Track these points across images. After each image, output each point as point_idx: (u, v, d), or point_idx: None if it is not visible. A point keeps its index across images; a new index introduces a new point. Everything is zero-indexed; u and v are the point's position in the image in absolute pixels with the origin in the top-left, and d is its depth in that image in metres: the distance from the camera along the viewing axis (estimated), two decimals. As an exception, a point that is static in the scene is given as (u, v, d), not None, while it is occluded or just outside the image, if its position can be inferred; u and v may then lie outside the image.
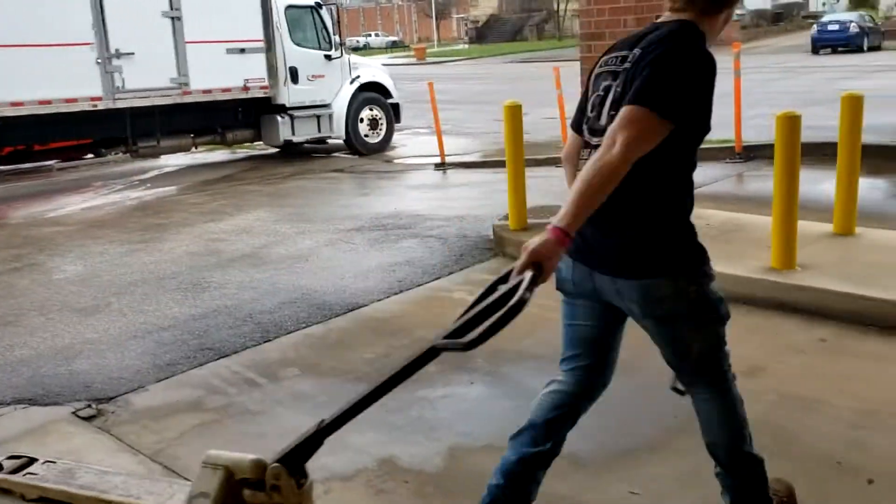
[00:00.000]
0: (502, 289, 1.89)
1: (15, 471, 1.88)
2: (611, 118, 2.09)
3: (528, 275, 1.85)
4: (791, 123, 4.42)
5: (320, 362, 4.15)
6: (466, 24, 69.98)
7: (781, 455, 2.97)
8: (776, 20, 39.30)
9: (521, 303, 1.73)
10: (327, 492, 2.96)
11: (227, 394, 3.85)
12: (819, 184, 6.45)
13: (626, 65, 2.16)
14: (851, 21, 28.64)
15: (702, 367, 2.35)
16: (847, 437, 3.06)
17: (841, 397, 3.37)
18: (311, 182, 10.14)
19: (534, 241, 1.93)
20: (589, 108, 2.27)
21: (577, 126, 2.33)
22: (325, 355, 4.24)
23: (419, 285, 5.29)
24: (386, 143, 12.88)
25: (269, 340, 4.50)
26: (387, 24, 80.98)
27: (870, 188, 6.61)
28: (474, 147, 12.23)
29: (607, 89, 2.21)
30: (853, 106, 4.92)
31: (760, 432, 3.09)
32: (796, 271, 4.44)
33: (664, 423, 3.27)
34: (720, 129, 6.81)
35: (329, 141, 12.84)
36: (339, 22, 12.82)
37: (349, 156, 12.37)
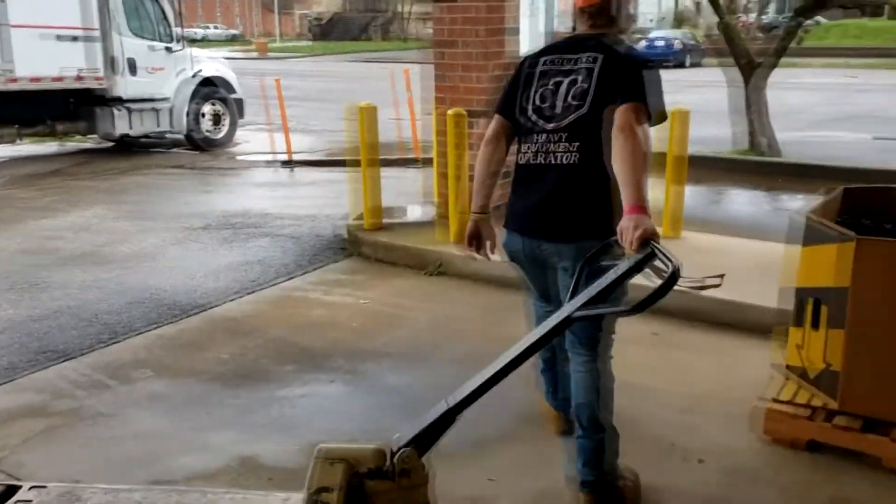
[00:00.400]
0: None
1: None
2: (572, 106, 2.66)
3: (655, 246, 2.15)
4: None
5: (174, 363, 4.07)
6: (310, 21, 69.15)
7: (622, 438, 3.23)
8: (607, 34, 41.38)
9: (678, 269, 1.96)
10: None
11: (76, 397, 3.71)
12: (653, 189, 6.94)
13: (582, 65, 2.68)
14: (676, 38, 30.71)
15: (598, 330, 2.79)
16: (679, 422, 3.37)
17: (672, 386, 3.70)
18: (150, 178, 9.77)
19: (634, 223, 2.25)
20: (536, 98, 2.74)
21: (508, 112, 2.82)
22: (179, 356, 4.16)
23: (273, 285, 5.27)
24: (229, 139, 12.59)
25: (119, 341, 4.37)
26: (226, 17, 78.48)
27: (692, 195, 7.19)
28: (320, 145, 12.19)
29: (558, 84, 2.71)
30: (681, 120, 5.36)
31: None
32: (632, 271, 4.78)
33: (513, 414, 3.46)
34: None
35: (169, 136, 12.39)
36: (180, 13, 12.40)
37: (190, 151, 11.99)
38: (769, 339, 4.15)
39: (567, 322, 1.93)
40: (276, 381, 3.86)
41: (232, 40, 61.05)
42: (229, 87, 12.80)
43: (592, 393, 2.76)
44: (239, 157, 11.62)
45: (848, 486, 2.90)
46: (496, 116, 2.88)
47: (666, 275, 1.99)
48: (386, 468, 1.70)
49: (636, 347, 4.11)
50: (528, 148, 2.75)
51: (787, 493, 2.88)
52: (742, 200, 8.22)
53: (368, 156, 5.88)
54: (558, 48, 2.81)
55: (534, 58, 2.83)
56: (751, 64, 10.40)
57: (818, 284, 3.18)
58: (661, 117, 2.72)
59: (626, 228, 2.26)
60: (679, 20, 44.37)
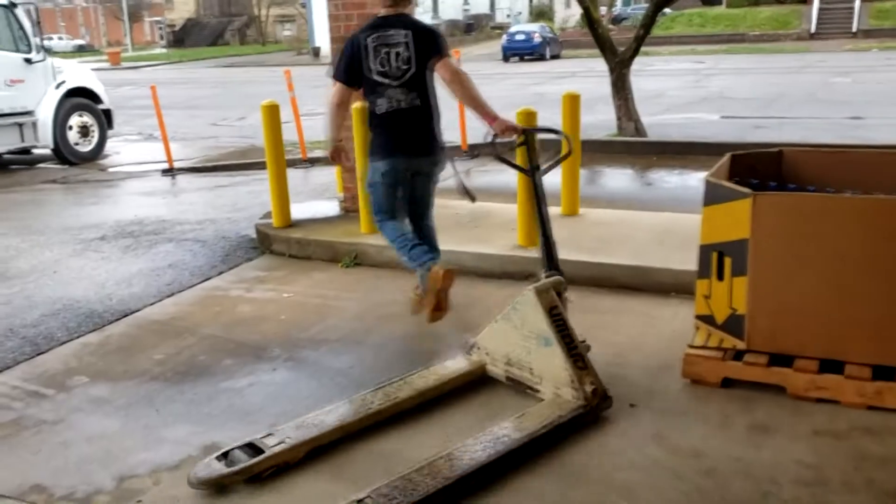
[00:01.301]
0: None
1: None
2: (402, 69, 4.04)
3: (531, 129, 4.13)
4: (528, 118, 5.08)
5: (108, 368, 4.06)
6: (162, 28, 66.87)
7: (561, 394, 3.51)
8: (468, 30, 42.30)
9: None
10: (157, 483, 3.01)
11: (13, 409, 3.66)
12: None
13: (401, 39, 4.05)
14: (535, 32, 31.73)
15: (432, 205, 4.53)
16: (608, 374, 3.66)
17: (595, 344, 3.98)
18: (24, 195, 9.38)
19: (507, 123, 4.01)
20: (378, 65, 4.04)
21: (351, 80, 4.11)
22: (112, 360, 4.15)
23: (191, 286, 5.28)
24: (99, 150, 12.17)
25: (43, 352, 4.29)
26: (70, 27, 74.72)
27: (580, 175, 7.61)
28: (193, 152, 11.99)
29: (388, 54, 4.04)
30: (572, 105, 5.72)
31: (541, 378, 3.61)
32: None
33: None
34: (446, 132, 7.43)
35: (35, 151, 11.87)
36: (38, 22, 11.89)
37: (59, 166, 11.53)
38: (671, 297, 4.57)
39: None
40: (218, 374, 3.93)
41: (80, 51, 58.22)
42: (96, 98, 12.37)
43: (435, 237, 4.55)
44: (112, 169, 11.29)
45: (760, 413, 3.29)
46: (339, 84, 4.10)
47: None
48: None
49: (556, 314, 4.41)
50: (382, 101, 4.08)
51: (710, 423, 3.23)
52: (623, 178, 8.75)
53: (275, 157, 5.93)
54: (377, 27, 4.07)
55: (363, 37, 4.06)
56: (614, 52, 11.02)
57: (720, 239, 3.56)
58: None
59: (507, 125, 3.97)
60: (536, 14, 45.82)
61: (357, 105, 5.52)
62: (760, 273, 3.40)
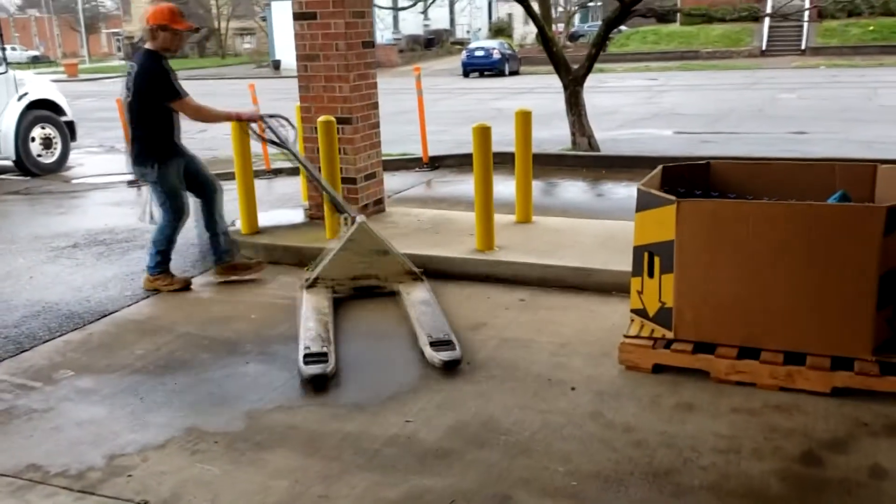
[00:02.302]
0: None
1: None
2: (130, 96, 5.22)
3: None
4: (484, 133, 5.48)
5: (92, 362, 4.35)
6: (119, 40, 66.46)
7: (510, 378, 3.92)
8: (429, 45, 42.86)
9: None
10: (145, 460, 3.32)
11: (3, 399, 3.93)
12: (498, 185, 7.73)
13: (132, 70, 5.21)
14: (495, 48, 32.36)
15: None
16: (552, 362, 4.09)
17: (542, 337, 4.42)
18: (-13, 205, 9.54)
19: (249, 114, 5.67)
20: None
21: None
22: (95, 356, 4.44)
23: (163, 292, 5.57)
24: (62, 162, 12.30)
25: (27, 350, 4.56)
26: (24, 38, 73.84)
27: (535, 187, 8.04)
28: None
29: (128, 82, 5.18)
30: (524, 120, 6.15)
31: (492, 365, 4.06)
32: (496, 251, 5.53)
33: (419, 370, 4.07)
34: (404, 144, 7.88)
35: (-3, 163, 11.96)
36: (1, 36, 12.03)
37: (21, 178, 11.65)
38: (612, 295, 5.00)
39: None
40: (196, 367, 4.24)
41: (34, 62, 57.63)
42: (59, 110, 12.51)
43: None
44: (76, 181, 11.45)
45: (686, 394, 3.70)
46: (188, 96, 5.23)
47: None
48: None
49: (509, 312, 4.83)
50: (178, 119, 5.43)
51: (641, 403, 3.64)
52: (575, 189, 9.20)
53: (243, 167, 6.26)
54: (130, 56, 5.16)
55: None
56: (568, 70, 11.51)
57: (651, 241, 3.99)
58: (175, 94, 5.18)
59: (253, 115, 5.48)
60: (496, 30, 46.55)
61: (323, 119, 5.89)
62: (685, 270, 3.83)
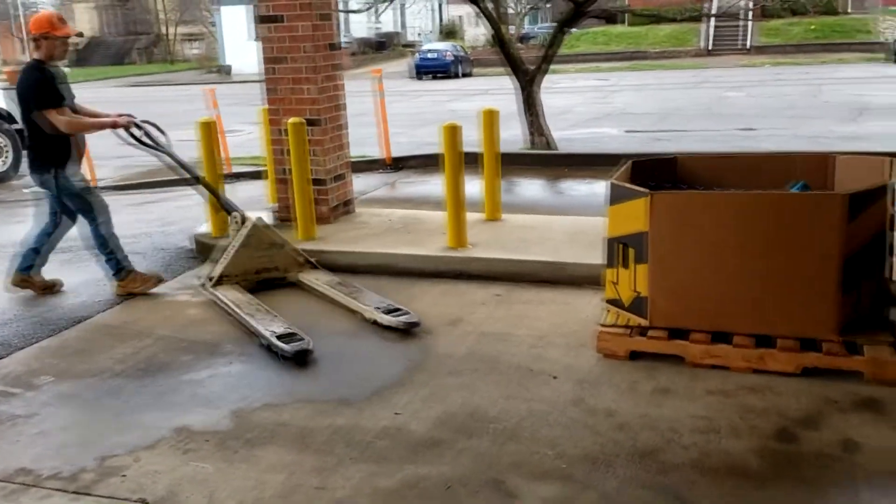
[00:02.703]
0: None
1: None
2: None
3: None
4: (453, 131, 5.57)
5: (71, 367, 4.33)
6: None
7: (492, 370, 4.02)
8: (380, 48, 42.83)
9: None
10: (137, 460, 3.34)
11: (-16, 407, 3.91)
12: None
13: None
14: (447, 50, 32.52)
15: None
16: (531, 354, 4.19)
17: (520, 330, 4.52)
18: (-62, 216, 9.35)
19: (124, 119, 5.41)
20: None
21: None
22: (73, 361, 4.42)
23: (139, 295, 5.54)
24: (13, 171, 12.09)
25: (3, 357, 4.52)
26: (-40, 44, 71.84)
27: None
28: (108, 172, 11.98)
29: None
30: (491, 119, 6.26)
31: (475, 359, 4.14)
32: (468, 248, 5.62)
33: (402, 365, 4.14)
34: (361, 147, 7.94)
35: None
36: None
37: (-30, 187, 11.44)
38: (584, 288, 5.12)
39: None
40: (177, 369, 4.26)
41: (-28, 70, 56.10)
42: (9, 118, 12.28)
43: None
44: (28, 189, 11.23)
45: (662, 379, 3.84)
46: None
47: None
48: None
49: (485, 307, 4.93)
50: None
51: (620, 389, 3.76)
52: (539, 187, 9.36)
53: (212, 172, 6.25)
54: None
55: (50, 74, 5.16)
56: (524, 71, 11.67)
57: (623, 233, 4.12)
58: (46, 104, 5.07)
59: (128, 120, 5.36)
60: (446, 33, 46.72)
61: (293, 121, 5.92)
62: (658, 260, 3.96)
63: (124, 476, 3.22)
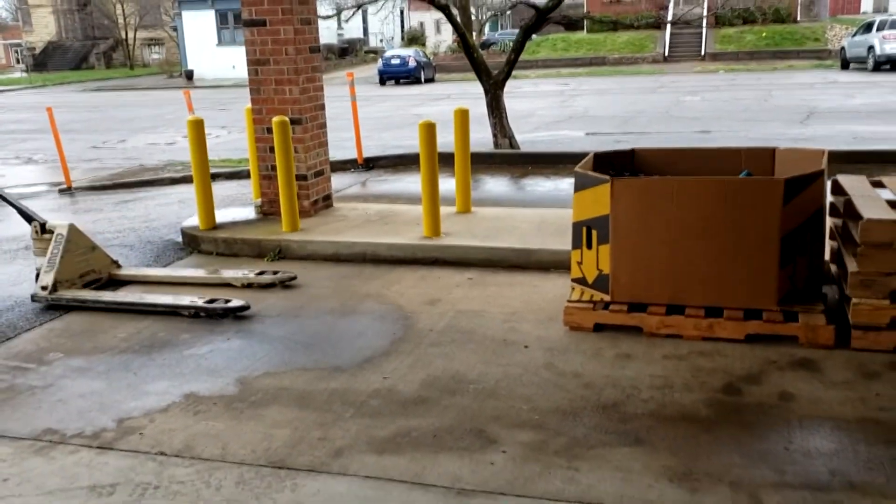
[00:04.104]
0: None
1: None
2: None
3: None
4: (430, 129, 5.98)
5: (78, 346, 4.65)
6: (20, 51, 64.35)
7: (469, 341, 4.43)
8: (343, 54, 43.12)
9: None
10: (152, 420, 3.69)
11: (2, 380, 4.21)
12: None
13: None
14: (410, 56, 32.91)
15: None
16: (504, 328, 4.61)
17: (493, 308, 4.95)
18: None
19: None
20: None
21: None
22: (80, 340, 4.74)
23: (132, 282, 5.86)
24: None
25: (11, 338, 4.83)
26: (-86, 50, 70.58)
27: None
28: (80, 174, 12.13)
29: None
30: (462, 119, 6.68)
31: (453, 332, 4.55)
32: (442, 237, 6.04)
33: (387, 338, 4.53)
34: (332, 150, 8.28)
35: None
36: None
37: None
38: (550, 272, 5.56)
39: None
40: (180, 345, 4.60)
41: (-72, 75, 55.26)
42: None
43: None
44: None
45: (624, 346, 4.28)
46: None
47: None
48: None
49: (460, 289, 5.34)
50: None
51: (586, 355, 4.20)
52: (505, 184, 9.80)
53: (201, 169, 6.59)
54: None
55: None
56: (489, 75, 12.12)
57: (588, 216, 4.56)
58: None
59: None
60: (409, 39, 47.17)
61: (277, 119, 6.28)
62: (619, 241, 4.41)
63: (142, 434, 3.57)
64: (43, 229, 5.55)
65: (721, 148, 5.64)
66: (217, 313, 4.97)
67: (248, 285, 5.49)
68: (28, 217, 5.63)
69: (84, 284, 5.55)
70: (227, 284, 5.55)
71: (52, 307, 5.29)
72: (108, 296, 5.39)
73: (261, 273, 5.60)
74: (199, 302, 5.04)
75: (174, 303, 5.09)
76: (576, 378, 3.94)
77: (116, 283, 5.75)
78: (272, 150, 6.59)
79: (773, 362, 4.02)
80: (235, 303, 5.02)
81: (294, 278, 5.56)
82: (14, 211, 5.73)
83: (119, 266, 5.89)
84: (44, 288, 5.33)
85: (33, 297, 5.36)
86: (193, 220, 6.92)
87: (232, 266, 6.07)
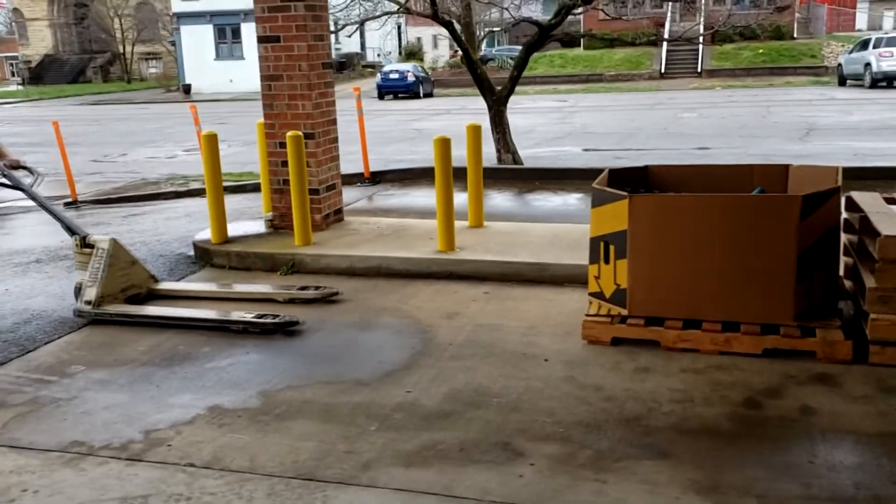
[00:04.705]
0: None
1: None
2: None
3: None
4: (445, 144, 6.04)
5: (99, 359, 4.67)
6: (15, 65, 64.49)
7: (490, 355, 4.47)
8: (340, 69, 43.27)
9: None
10: (178, 433, 3.71)
11: (25, 392, 4.24)
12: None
13: None
14: (409, 70, 33.11)
15: None
16: (523, 341, 4.65)
17: (511, 321, 4.99)
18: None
19: None
20: None
21: None
22: (101, 353, 4.76)
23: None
24: None
25: (31, 351, 4.84)
26: None
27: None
28: (83, 188, 12.12)
29: None
30: (475, 135, 6.75)
31: (473, 346, 4.60)
32: (457, 252, 6.08)
33: (408, 352, 4.57)
34: (342, 164, 8.35)
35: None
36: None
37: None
38: (565, 286, 5.61)
39: None
40: (200, 359, 4.63)
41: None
42: None
43: None
44: (4, 204, 11.40)
45: (642, 360, 4.33)
46: None
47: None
48: None
49: (476, 303, 5.38)
50: None
51: (606, 368, 4.24)
52: (514, 199, 9.87)
53: (213, 183, 6.63)
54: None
55: None
56: (493, 91, 12.21)
57: (606, 232, 4.62)
58: None
59: None
60: (407, 54, 47.40)
61: (291, 134, 6.33)
62: (637, 256, 4.47)
63: (170, 446, 3.59)
64: (84, 243, 5.45)
65: (734, 165, 5.71)
66: (269, 329, 4.93)
67: (292, 300, 5.47)
68: (70, 229, 5.55)
69: (125, 299, 5.49)
70: (269, 300, 5.54)
71: (97, 322, 5.25)
72: (153, 311, 5.34)
73: (303, 288, 5.60)
74: (249, 317, 5.01)
75: (223, 318, 5.08)
76: (597, 391, 3.98)
77: (156, 297, 5.69)
78: (284, 164, 6.64)
79: (791, 377, 4.06)
80: (286, 318, 4.99)
81: (337, 294, 5.57)
82: (25, 224, 5.75)
83: (157, 280, 5.84)
84: (88, 302, 5.26)
85: (77, 313, 5.29)
86: (205, 234, 6.96)
87: (244, 280, 6.11)
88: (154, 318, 5.24)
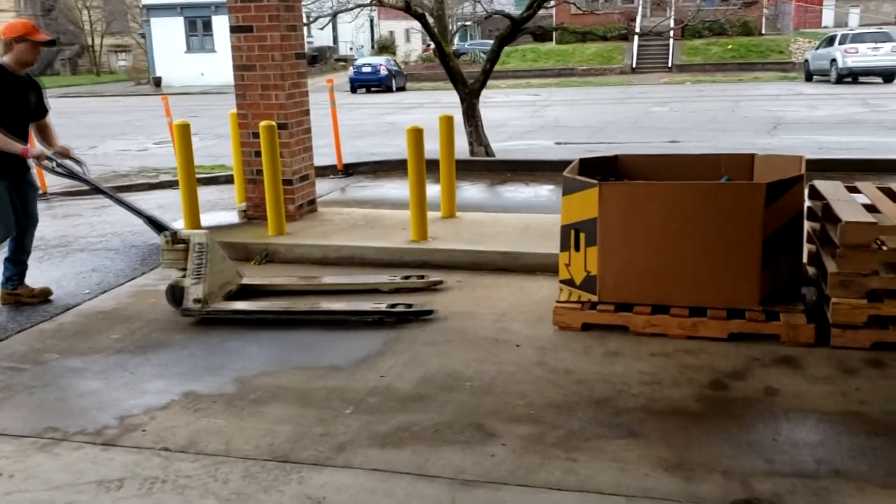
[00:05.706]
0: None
1: None
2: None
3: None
4: (418, 134, 6.09)
5: (72, 347, 4.67)
6: None
7: (463, 341, 4.54)
8: (313, 62, 43.02)
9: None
10: (153, 418, 3.74)
11: (-1, 380, 4.24)
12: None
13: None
14: (381, 64, 33.03)
15: None
16: (496, 327, 4.73)
17: (483, 309, 5.06)
18: None
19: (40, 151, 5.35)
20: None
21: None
22: (74, 341, 4.76)
23: (120, 284, 5.89)
24: None
25: (2, 340, 4.83)
26: None
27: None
28: (51, 181, 12.01)
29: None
30: (447, 126, 6.80)
31: (444, 332, 4.66)
32: (430, 241, 6.14)
33: (381, 339, 4.62)
34: (319, 158, 8.41)
35: None
36: None
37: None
38: (536, 275, 5.69)
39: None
40: (175, 346, 4.65)
41: None
42: None
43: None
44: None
45: (612, 345, 4.41)
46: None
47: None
48: None
49: (451, 291, 5.45)
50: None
51: (576, 352, 4.33)
52: (487, 190, 9.94)
53: (187, 174, 6.63)
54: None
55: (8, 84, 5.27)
56: (465, 84, 12.26)
57: (576, 220, 4.69)
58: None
59: (40, 154, 5.25)
60: (380, 47, 47.28)
61: (265, 124, 6.35)
62: (606, 243, 4.55)
63: (145, 431, 3.62)
64: (175, 239, 5.18)
65: (701, 154, 5.83)
66: (408, 318, 4.88)
67: (396, 290, 5.42)
68: (159, 226, 5.25)
69: (223, 296, 5.21)
70: (374, 290, 5.44)
71: (206, 321, 5.00)
72: (273, 305, 5.12)
73: (406, 277, 5.53)
74: (382, 307, 4.97)
75: (355, 309, 4.97)
76: (567, 375, 4.06)
77: (247, 293, 5.45)
78: (258, 154, 6.65)
79: (756, 359, 4.17)
80: (420, 307, 4.98)
81: (441, 283, 5.52)
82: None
83: (241, 276, 5.54)
84: (196, 301, 4.97)
85: (185, 312, 5.00)
86: (177, 224, 6.93)
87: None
88: (277, 313, 5.01)
